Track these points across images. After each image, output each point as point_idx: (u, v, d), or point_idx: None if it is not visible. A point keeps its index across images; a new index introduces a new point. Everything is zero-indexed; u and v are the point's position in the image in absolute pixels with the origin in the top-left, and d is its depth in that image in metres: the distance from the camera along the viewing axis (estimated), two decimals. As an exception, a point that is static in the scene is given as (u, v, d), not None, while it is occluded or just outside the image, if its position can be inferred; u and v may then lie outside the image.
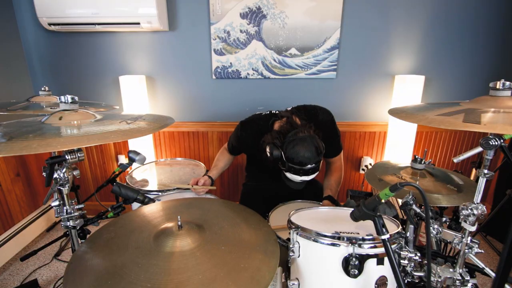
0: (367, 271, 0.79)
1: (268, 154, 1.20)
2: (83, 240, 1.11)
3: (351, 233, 0.83)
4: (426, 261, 0.78)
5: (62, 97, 0.93)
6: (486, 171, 0.79)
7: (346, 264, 0.78)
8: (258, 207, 1.14)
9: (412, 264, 0.82)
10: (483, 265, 0.86)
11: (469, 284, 0.84)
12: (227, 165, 1.63)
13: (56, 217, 0.96)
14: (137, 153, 1.27)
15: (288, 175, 1.19)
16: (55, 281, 1.73)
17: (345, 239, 0.79)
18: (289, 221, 0.92)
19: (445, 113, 0.82)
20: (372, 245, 0.79)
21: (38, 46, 2.11)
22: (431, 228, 0.89)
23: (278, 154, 1.16)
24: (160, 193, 1.48)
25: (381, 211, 1.22)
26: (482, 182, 0.79)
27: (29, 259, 1.87)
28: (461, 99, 0.97)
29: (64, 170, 0.87)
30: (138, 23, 1.86)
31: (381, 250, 0.79)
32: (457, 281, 0.84)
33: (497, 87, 0.84)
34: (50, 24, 1.88)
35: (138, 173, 1.76)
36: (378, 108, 2.17)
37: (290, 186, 1.26)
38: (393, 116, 0.94)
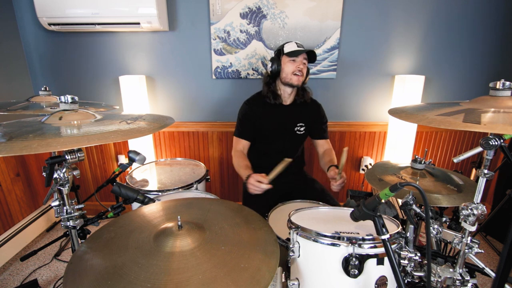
0: (367, 271, 0.79)
1: (269, 71, 1.51)
2: (83, 240, 1.11)
3: (351, 233, 0.83)
4: (426, 261, 0.78)
5: (62, 97, 0.93)
6: (486, 171, 0.79)
7: (346, 264, 0.78)
8: (258, 208, 1.14)
9: (412, 264, 0.82)
10: (483, 265, 0.86)
11: (469, 284, 0.84)
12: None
13: (56, 217, 0.96)
14: (137, 153, 1.27)
15: (287, 49, 1.46)
16: (55, 281, 1.73)
17: (345, 239, 0.79)
18: (289, 221, 0.92)
19: (445, 113, 0.82)
20: (372, 245, 0.79)
21: (38, 46, 2.11)
22: (431, 228, 0.89)
23: (276, 66, 1.48)
24: (160, 193, 1.48)
25: (381, 211, 1.23)
26: (482, 182, 0.79)
27: (29, 259, 1.87)
28: (461, 99, 0.97)
29: (64, 170, 0.87)
30: (138, 23, 1.86)
31: (381, 250, 0.79)
32: (457, 281, 0.84)
33: (497, 87, 0.84)
34: (50, 24, 1.88)
35: (138, 173, 1.76)
36: (378, 108, 2.17)
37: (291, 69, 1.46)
38: (393, 116, 0.94)
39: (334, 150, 1.63)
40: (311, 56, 1.49)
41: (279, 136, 1.59)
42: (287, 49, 1.47)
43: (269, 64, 1.52)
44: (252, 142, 1.60)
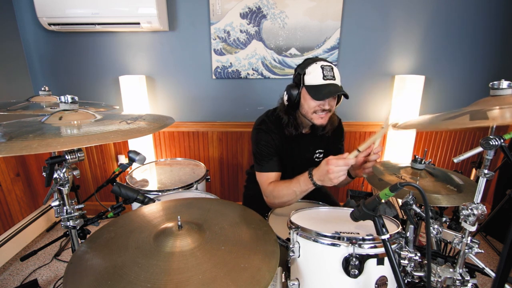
0: (367, 271, 0.79)
1: (286, 102, 1.24)
2: (83, 240, 1.11)
3: (351, 233, 0.83)
4: (426, 261, 0.78)
5: (62, 97, 0.93)
6: (486, 171, 0.79)
7: (346, 264, 0.78)
8: (258, 208, 1.13)
9: (412, 264, 0.82)
10: (483, 265, 0.86)
11: (469, 284, 0.84)
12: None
13: (56, 217, 0.96)
14: (137, 153, 1.27)
15: (309, 80, 1.15)
16: (55, 281, 1.73)
17: (345, 239, 0.79)
18: (289, 221, 0.92)
19: (450, 117, 0.81)
20: (372, 245, 0.79)
21: (38, 46, 2.11)
22: (431, 228, 0.89)
23: (295, 91, 1.20)
24: (160, 193, 1.48)
25: (381, 211, 1.22)
26: (482, 182, 0.79)
27: (29, 259, 1.87)
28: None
29: (64, 170, 0.87)
30: (138, 23, 1.86)
31: (381, 250, 0.78)
32: (457, 281, 0.84)
33: (498, 87, 0.85)
34: (50, 24, 1.88)
35: (138, 173, 1.76)
36: (378, 108, 2.17)
37: (317, 98, 1.15)
38: (400, 129, 0.92)
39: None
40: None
41: (296, 165, 1.37)
42: (309, 80, 1.15)
43: (285, 95, 1.24)
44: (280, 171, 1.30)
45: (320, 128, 1.29)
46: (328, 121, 1.27)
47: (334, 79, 1.16)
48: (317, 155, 1.42)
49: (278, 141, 1.30)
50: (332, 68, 1.17)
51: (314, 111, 1.19)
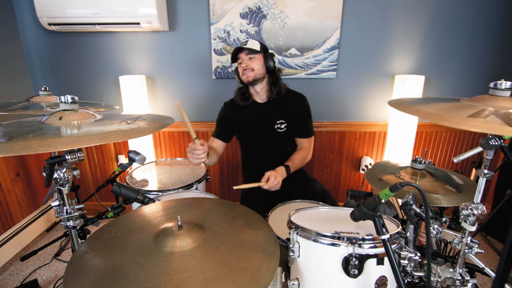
0: (367, 271, 0.79)
1: (238, 80, 1.54)
2: (83, 240, 1.11)
3: (351, 233, 0.83)
4: (426, 261, 0.78)
5: (62, 97, 0.93)
6: (486, 171, 0.79)
7: (346, 264, 0.78)
8: (258, 208, 1.14)
9: (412, 264, 0.82)
10: (483, 265, 0.86)
11: (469, 284, 0.84)
12: (218, 148, 1.60)
13: (56, 217, 0.96)
14: (137, 153, 1.27)
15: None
16: (55, 281, 1.73)
17: (345, 239, 0.79)
18: (289, 221, 0.92)
19: (473, 113, 0.78)
20: (372, 245, 0.79)
21: (38, 46, 2.11)
22: (431, 228, 0.89)
23: (237, 72, 1.52)
24: (160, 193, 1.48)
25: (381, 211, 1.23)
26: (482, 182, 0.79)
27: (29, 259, 1.87)
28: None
29: (64, 170, 0.87)
30: (138, 23, 1.86)
31: (381, 250, 0.79)
32: (457, 281, 0.84)
33: (497, 87, 0.84)
34: (50, 24, 1.88)
35: (138, 173, 1.76)
36: (378, 108, 2.17)
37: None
38: (393, 107, 0.91)
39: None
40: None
41: (260, 135, 1.56)
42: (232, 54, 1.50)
43: (237, 77, 1.56)
44: (228, 142, 1.62)
45: (269, 92, 1.51)
46: (267, 85, 1.51)
47: (246, 44, 1.44)
48: (279, 125, 1.54)
49: (234, 114, 1.57)
50: (246, 41, 1.47)
51: (241, 73, 1.47)
